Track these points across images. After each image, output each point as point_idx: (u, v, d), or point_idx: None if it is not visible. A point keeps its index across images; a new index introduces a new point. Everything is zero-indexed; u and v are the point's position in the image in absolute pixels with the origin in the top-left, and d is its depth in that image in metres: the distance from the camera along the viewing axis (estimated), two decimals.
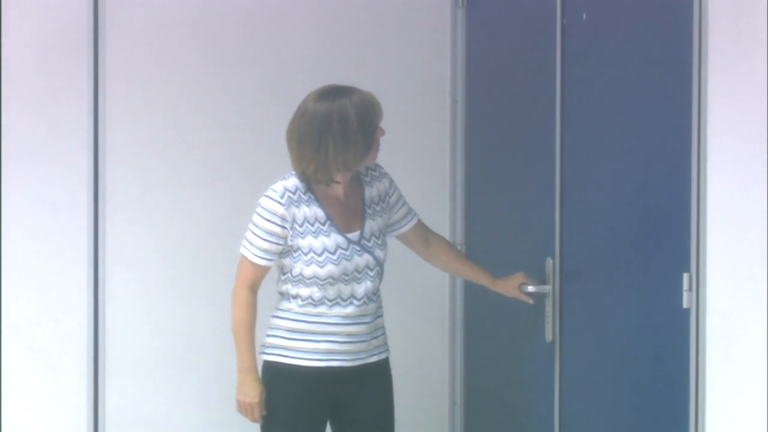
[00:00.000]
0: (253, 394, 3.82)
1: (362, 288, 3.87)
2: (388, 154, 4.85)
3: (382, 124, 3.82)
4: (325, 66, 4.76)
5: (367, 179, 3.95)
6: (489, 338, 4.71)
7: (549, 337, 4.07)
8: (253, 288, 3.86)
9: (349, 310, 3.86)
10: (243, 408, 3.85)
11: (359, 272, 3.86)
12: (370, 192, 3.94)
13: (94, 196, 4.64)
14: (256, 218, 3.82)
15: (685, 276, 3.31)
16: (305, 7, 4.81)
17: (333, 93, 3.77)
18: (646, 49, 3.56)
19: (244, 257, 3.86)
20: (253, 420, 3.86)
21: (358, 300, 3.86)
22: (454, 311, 4.94)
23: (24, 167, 4.60)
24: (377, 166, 3.99)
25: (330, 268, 3.80)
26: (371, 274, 3.89)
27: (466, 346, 4.91)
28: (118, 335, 4.69)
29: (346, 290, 3.84)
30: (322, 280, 3.81)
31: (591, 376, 3.89)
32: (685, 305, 3.32)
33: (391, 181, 4.02)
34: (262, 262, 3.84)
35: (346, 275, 3.83)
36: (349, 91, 3.78)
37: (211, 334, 4.72)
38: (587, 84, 3.89)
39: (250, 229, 3.83)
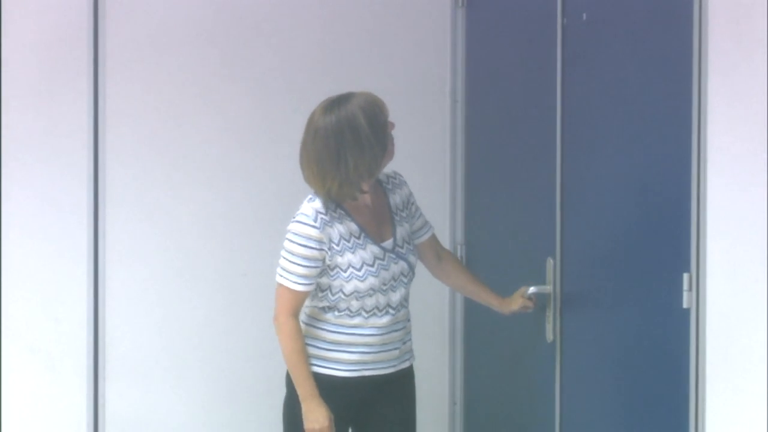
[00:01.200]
0: (323, 419, 3.76)
1: (397, 296, 3.86)
2: None
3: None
4: (325, 66, 4.76)
5: (389, 186, 3.94)
6: (489, 338, 4.71)
7: (549, 336, 4.07)
8: (296, 315, 3.81)
9: (385, 320, 3.84)
10: None
11: (395, 280, 3.84)
12: (394, 199, 3.93)
13: (94, 196, 4.64)
14: (290, 245, 3.74)
15: (685, 276, 3.31)
16: (305, 7, 4.81)
17: (336, 103, 3.72)
18: (647, 49, 3.56)
19: (282, 286, 3.78)
20: None
21: (394, 308, 3.85)
22: (455, 311, 4.95)
23: (24, 167, 4.60)
24: (396, 174, 3.98)
25: (371, 281, 3.78)
26: (405, 280, 3.88)
27: (467, 346, 4.91)
28: (118, 335, 4.69)
29: (383, 300, 3.83)
30: (363, 293, 3.79)
31: (591, 375, 3.89)
32: (685, 305, 3.32)
33: (410, 191, 4.00)
34: (303, 288, 3.77)
35: (384, 285, 3.81)
36: (350, 97, 3.74)
37: (211, 333, 4.73)
38: (587, 84, 3.89)
39: (284, 257, 3.76)
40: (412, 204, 4.00)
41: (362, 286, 3.77)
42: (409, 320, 3.97)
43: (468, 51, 4.87)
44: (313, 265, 3.74)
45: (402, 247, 3.87)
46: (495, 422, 4.67)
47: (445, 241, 4.92)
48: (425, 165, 4.92)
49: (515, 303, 4.09)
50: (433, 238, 4.09)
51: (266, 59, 4.74)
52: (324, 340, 3.83)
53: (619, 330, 3.72)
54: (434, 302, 4.94)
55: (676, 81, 3.36)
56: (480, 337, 4.81)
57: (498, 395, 4.64)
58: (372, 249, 3.79)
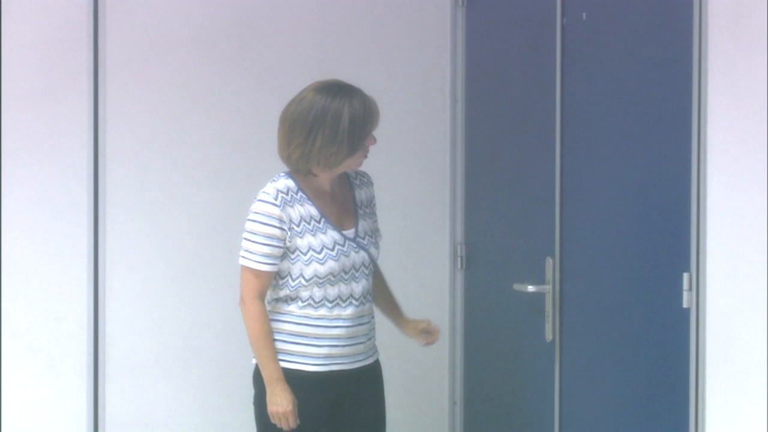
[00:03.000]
0: (286, 402, 3.77)
1: (360, 287, 3.86)
2: (389, 154, 4.86)
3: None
4: (325, 65, 4.76)
5: (357, 182, 3.96)
6: (489, 338, 4.71)
7: (549, 336, 4.07)
8: (262, 297, 3.80)
9: (350, 311, 3.85)
10: (277, 418, 3.80)
11: (356, 270, 3.85)
12: (360, 194, 3.95)
13: (94, 196, 4.64)
14: (251, 225, 3.76)
15: (685, 276, 3.32)
16: (305, 7, 4.81)
17: (335, 90, 3.77)
18: (647, 48, 3.56)
19: (245, 268, 3.78)
20: (287, 429, 3.81)
21: (357, 300, 3.86)
22: (454, 311, 4.94)
23: (24, 167, 4.60)
24: (366, 174, 4.00)
25: (330, 265, 3.79)
26: (366, 272, 3.88)
27: (466, 346, 4.91)
28: (118, 335, 4.69)
29: (345, 290, 3.83)
30: (323, 278, 3.79)
31: (591, 375, 3.89)
32: (685, 305, 3.33)
33: (374, 194, 4.02)
34: (267, 268, 3.77)
35: (345, 273, 3.82)
36: (351, 92, 3.78)
37: (211, 333, 4.72)
38: (587, 83, 3.89)
39: (246, 238, 3.77)
40: (373, 206, 4.02)
41: (322, 269, 3.77)
42: (373, 316, 3.97)
43: (468, 50, 4.87)
44: (275, 243, 3.75)
45: (363, 239, 3.88)
46: (495, 422, 4.68)
47: (446, 241, 4.93)
48: (425, 164, 4.92)
49: (411, 330, 4.11)
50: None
51: (266, 59, 4.73)
52: (290, 333, 3.82)
53: (618, 329, 3.72)
54: (434, 303, 4.94)
55: (676, 81, 3.37)
56: (480, 337, 4.81)
57: (498, 395, 4.64)
58: (332, 234, 3.80)
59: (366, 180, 4.00)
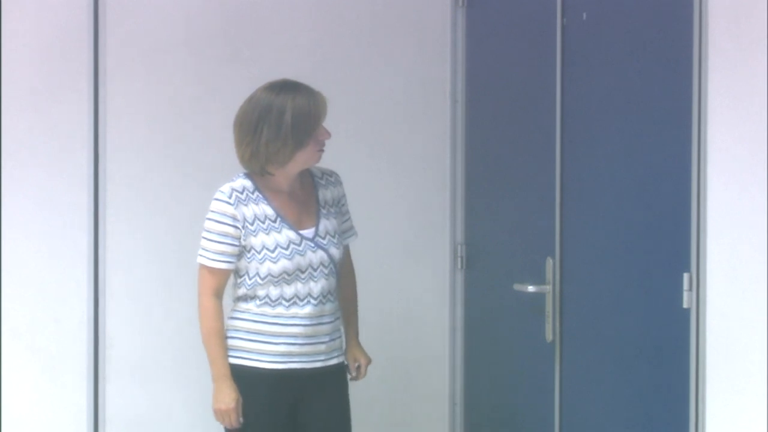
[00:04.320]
0: (229, 400, 3.82)
1: (318, 287, 3.86)
2: (388, 154, 4.87)
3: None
4: (324, 65, 4.76)
5: (323, 182, 3.97)
6: (489, 338, 4.71)
7: (549, 336, 4.07)
8: (218, 295, 3.85)
9: (308, 309, 3.85)
10: (220, 415, 3.86)
11: (314, 269, 3.86)
12: (324, 194, 3.96)
13: (94, 197, 4.64)
14: (207, 223, 3.82)
15: (686, 276, 3.32)
16: (305, 7, 4.81)
17: (280, 87, 3.81)
18: (647, 48, 3.56)
19: (201, 266, 3.84)
20: (230, 427, 3.86)
21: (315, 299, 3.86)
22: (454, 311, 4.94)
23: (24, 167, 4.60)
24: (334, 173, 4.02)
25: (283, 263, 3.80)
26: (326, 272, 3.88)
27: (466, 346, 4.91)
28: (118, 335, 4.69)
29: (303, 289, 3.84)
30: (277, 277, 3.81)
31: (591, 375, 3.89)
32: (685, 305, 3.32)
33: (344, 193, 4.03)
34: (221, 266, 3.82)
35: (301, 271, 3.83)
36: (297, 88, 3.80)
37: None
38: (587, 84, 3.89)
39: (203, 236, 3.82)
40: (343, 205, 4.03)
41: (275, 268, 3.79)
42: (337, 317, 3.97)
43: (468, 51, 4.87)
44: (229, 241, 3.80)
45: (324, 238, 3.88)
46: (495, 422, 4.68)
47: (446, 241, 4.93)
48: (425, 165, 4.92)
49: (350, 357, 4.08)
50: (346, 248, 4.08)
51: (266, 60, 4.72)
52: (247, 330, 3.85)
53: (618, 330, 3.72)
54: (434, 303, 4.94)
55: (676, 80, 3.37)
56: (480, 337, 4.81)
57: (498, 395, 4.64)
58: (288, 234, 3.82)
59: (333, 180, 4.01)
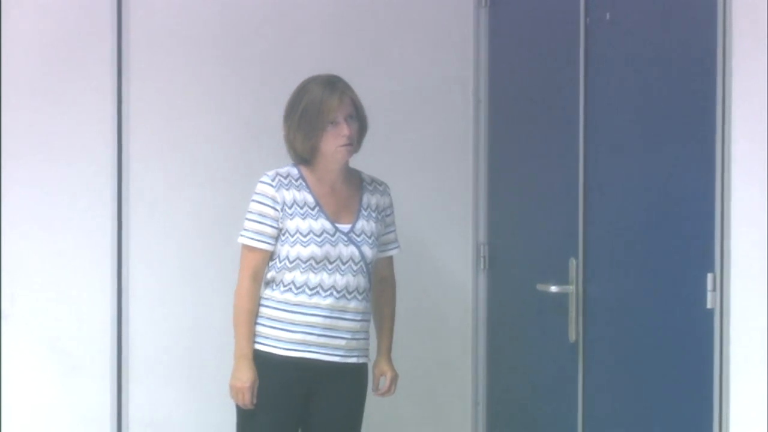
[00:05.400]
0: (245, 379, 3.88)
1: (343, 280, 3.90)
2: (411, 154, 4.87)
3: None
4: (347, 65, 4.75)
5: (370, 188, 4.04)
6: (512, 338, 4.71)
7: (572, 336, 4.06)
8: (255, 277, 3.94)
9: (329, 301, 3.89)
10: (234, 392, 3.92)
11: (343, 263, 3.90)
12: (369, 198, 4.02)
13: (117, 196, 4.65)
14: (250, 204, 3.94)
15: (709, 276, 3.31)
16: (329, 7, 4.81)
17: (313, 79, 3.93)
18: (670, 49, 3.55)
19: (242, 246, 3.95)
20: (244, 405, 3.92)
21: (338, 292, 3.90)
22: (477, 311, 4.94)
23: (47, 167, 4.61)
24: (384, 183, 4.08)
25: (313, 249, 3.86)
26: (354, 268, 3.91)
27: (489, 346, 4.91)
28: (141, 335, 4.70)
29: (327, 280, 3.88)
30: (305, 262, 3.86)
31: (614, 376, 3.88)
32: (709, 305, 3.31)
33: (392, 205, 4.10)
34: (259, 245, 3.91)
35: (329, 262, 3.88)
36: (323, 81, 3.91)
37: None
38: (611, 84, 3.88)
39: (246, 217, 3.94)
40: (387, 216, 4.08)
41: (304, 252, 3.86)
42: (366, 320, 4.00)
43: (491, 50, 4.86)
44: (268, 222, 3.90)
45: (359, 236, 3.93)
46: (517, 422, 4.67)
47: (468, 241, 4.92)
48: (448, 164, 4.91)
49: (377, 370, 4.11)
50: (390, 259, 4.14)
51: (288, 59, 4.72)
52: (268, 317, 3.92)
53: (642, 330, 3.71)
54: (457, 303, 4.93)
55: (700, 80, 3.35)
56: (502, 337, 4.80)
57: (520, 395, 4.63)
58: (323, 223, 3.89)
59: (382, 189, 4.07)
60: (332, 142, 3.88)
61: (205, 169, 4.72)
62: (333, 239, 3.89)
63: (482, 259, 4.90)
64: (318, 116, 3.87)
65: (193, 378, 4.75)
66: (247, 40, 4.74)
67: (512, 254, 4.72)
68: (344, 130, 3.88)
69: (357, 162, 4.05)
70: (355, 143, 3.93)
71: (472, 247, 4.93)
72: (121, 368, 4.68)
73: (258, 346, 3.92)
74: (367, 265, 3.94)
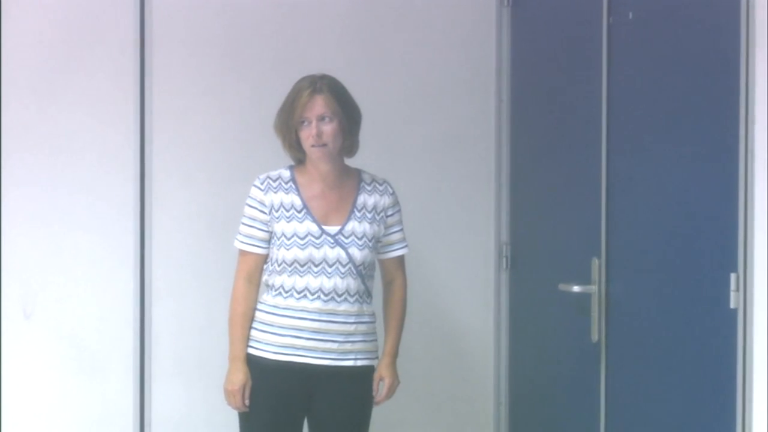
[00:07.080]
0: (236, 381, 3.90)
1: (331, 283, 3.87)
2: (433, 154, 4.87)
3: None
4: (370, 64, 4.77)
5: (368, 188, 3.99)
6: (534, 338, 4.70)
7: (594, 337, 4.05)
8: (250, 280, 3.95)
9: (316, 304, 3.87)
10: (227, 395, 3.94)
11: (329, 265, 3.87)
12: (365, 199, 3.97)
13: (140, 195, 4.66)
14: (244, 208, 3.95)
15: (733, 276, 3.30)
16: (350, 6, 4.81)
17: (306, 77, 3.90)
18: (693, 48, 3.54)
19: (238, 250, 3.97)
20: (236, 408, 3.94)
21: (326, 295, 3.87)
22: (499, 311, 4.94)
23: (71, 167, 4.63)
24: (386, 183, 4.02)
25: (295, 252, 3.85)
26: (342, 270, 3.88)
27: (512, 346, 4.90)
28: (163, 334, 4.71)
29: (313, 283, 3.87)
30: (290, 265, 3.86)
31: (637, 376, 3.87)
32: (732, 305, 3.30)
33: (395, 204, 4.02)
34: (250, 249, 3.92)
35: (314, 264, 3.86)
36: (302, 80, 3.89)
37: None
38: (633, 83, 3.87)
39: (241, 221, 3.95)
40: (389, 216, 4.01)
41: (288, 255, 3.85)
42: (365, 322, 3.95)
43: (513, 50, 4.86)
44: (258, 226, 3.92)
45: (347, 238, 3.90)
46: (540, 422, 4.67)
47: (490, 241, 4.92)
48: (470, 164, 4.91)
49: (375, 375, 4.02)
50: (397, 260, 4.07)
51: (310, 60, 4.71)
52: (261, 321, 3.93)
53: (664, 330, 3.70)
54: (479, 303, 4.93)
55: (723, 79, 3.34)
56: (525, 337, 4.80)
57: (543, 395, 4.63)
58: (309, 225, 3.88)
59: (382, 189, 4.01)
60: (305, 143, 3.87)
61: (227, 168, 4.73)
62: (317, 242, 3.86)
63: (504, 259, 4.90)
64: (290, 115, 3.86)
65: (214, 377, 4.75)
66: (268, 40, 4.75)
67: (534, 254, 4.71)
68: (312, 131, 3.84)
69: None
70: (330, 144, 3.84)
71: (495, 246, 4.93)
72: (144, 367, 4.70)
73: (250, 350, 3.93)
74: (356, 266, 3.90)
